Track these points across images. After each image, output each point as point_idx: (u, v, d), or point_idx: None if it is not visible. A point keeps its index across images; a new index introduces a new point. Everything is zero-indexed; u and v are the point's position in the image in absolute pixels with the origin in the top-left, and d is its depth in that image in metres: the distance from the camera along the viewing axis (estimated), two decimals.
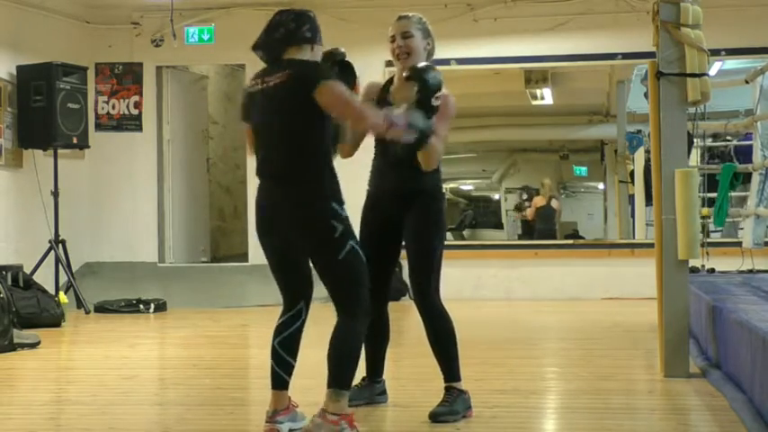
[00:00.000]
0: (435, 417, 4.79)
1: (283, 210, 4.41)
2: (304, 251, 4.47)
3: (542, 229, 15.10)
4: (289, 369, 4.54)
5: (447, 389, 4.93)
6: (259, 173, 4.55)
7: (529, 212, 15.57)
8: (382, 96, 5.04)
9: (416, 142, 4.65)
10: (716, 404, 5.15)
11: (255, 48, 4.54)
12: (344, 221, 4.40)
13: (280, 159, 4.43)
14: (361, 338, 4.48)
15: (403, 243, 5.04)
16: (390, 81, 5.12)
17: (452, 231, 15.72)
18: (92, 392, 5.88)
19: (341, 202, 4.42)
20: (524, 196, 16.02)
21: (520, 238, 15.56)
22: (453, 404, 4.86)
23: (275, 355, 4.54)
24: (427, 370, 5.45)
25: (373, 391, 5.23)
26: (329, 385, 4.39)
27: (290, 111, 4.38)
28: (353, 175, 5.25)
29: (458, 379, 4.94)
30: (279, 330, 4.56)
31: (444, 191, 5.10)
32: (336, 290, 4.46)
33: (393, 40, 4.98)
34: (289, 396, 4.58)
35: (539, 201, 15.45)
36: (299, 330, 4.57)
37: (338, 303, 4.47)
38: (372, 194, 5.08)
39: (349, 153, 5.01)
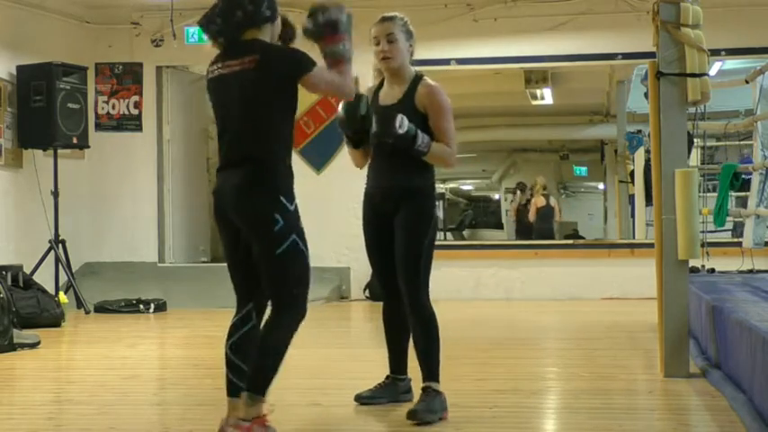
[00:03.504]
0: (414, 415, 4.75)
1: (232, 197, 4.26)
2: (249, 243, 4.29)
3: (541, 229, 15.12)
4: (242, 375, 4.28)
5: (424, 389, 4.89)
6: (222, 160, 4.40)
7: (530, 215, 15.58)
8: (374, 100, 5.04)
9: (404, 144, 4.75)
10: (716, 404, 5.15)
11: (213, 33, 4.39)
12: (290, 216, 4.24)
13: (239, 146, 4.31)
14: (288, 340, 4.25)
15: None
16: (381, 84, 5.13)
17: (452, 231, 15.76)
18: (92, 392, 5.88)
19: (291, 197, 4.27)
20: (518, 193, 16.05)
21: (517, 233, 15.61)
22: (430, 404, 4.82)
23: (226, 360, 4.36)
24: None
25: (397, 389, 5.21)
26: (247, 387, 4.19)
27: (258, 96, 4.26)
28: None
29: (436, 380, 4.91)
30: (229, 333, 4.39)
31: (438, 190, 5.11)
32: (271, 285, 4.25)
33: (377, 42, 4.98)
34: None
35: (538, 201, 15.47)
36: (249, 334, 4.33)
37: (272, 300, 4.28)
38: (368, 193, 5.11)
39: (364, 162, 5.12)
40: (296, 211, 4.28)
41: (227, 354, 4.36)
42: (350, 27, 4.46)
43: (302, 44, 4.48)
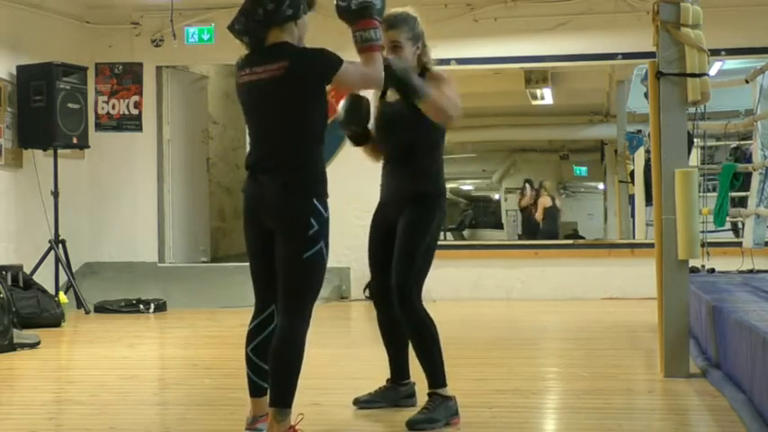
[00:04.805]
0: (412, 424, 4.69)
1: (269, 201, 4.26)
2: (277, 244, 4.29)
3: (548, 230, 15.18)
4: (265, 376, 4.36)
5: (430, 395, 4.83)
6: (248, 165, 4.40)
7: (538, 215, 15.61)
8: (381, 97, 5.03)
9: (404, 92, 4.68)
10: (716, 404, 5.16)
11: (238, 33, 4.34)
12: (324, 223, 4.26)
13: (274, 153, 4.31)
14: (302, 348, 4.26)
15: None
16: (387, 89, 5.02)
17: (452, 231, 15.76)
18: (92, 392, 5.88)
19: (325, 204, 4.28)
20: (528, 187, 16.05)
21: (523, 231, 15.62)
22: (433, 411, 4.75)
23: (250, 364, 4.39)
24: None
25: (398, 394, 5.17)
26: (272, 403, 4.22)
27: (291, 104, 4.26)
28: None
29: (442, 385, 4.84)
30: (251, 337, 4.41)
31: (445, 193, 5.08)
32: (288, 289, 4.28)
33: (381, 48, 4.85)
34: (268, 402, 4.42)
35: (545, 201, 15.50)
36: (271, 336, 4.37)
37: (285, 305, 4.29)
38: (380, 199, 5.10)
39: (376, 154, 5.09)
40: (329, 219, 4.29)
41: (248, 356, 4.40)
42: (383, 13, 4.41)
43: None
